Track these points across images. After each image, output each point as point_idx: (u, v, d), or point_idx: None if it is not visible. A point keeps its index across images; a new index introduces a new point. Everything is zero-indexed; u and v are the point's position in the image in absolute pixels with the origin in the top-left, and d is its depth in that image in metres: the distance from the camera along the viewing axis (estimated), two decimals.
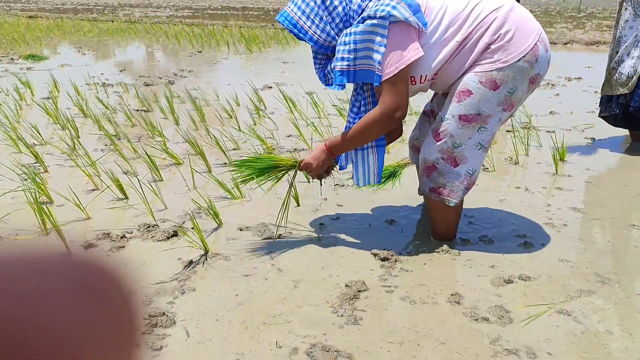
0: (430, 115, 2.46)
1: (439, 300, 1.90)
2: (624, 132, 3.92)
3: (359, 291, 1.94)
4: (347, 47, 1.99)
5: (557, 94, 5.29)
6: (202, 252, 2.21)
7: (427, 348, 1.65)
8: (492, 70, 1.98)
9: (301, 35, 2.07)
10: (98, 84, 5.76)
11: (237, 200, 2.74)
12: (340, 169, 2.39)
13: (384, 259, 2.16)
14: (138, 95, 4.98)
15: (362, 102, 2.17)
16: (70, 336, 0.22)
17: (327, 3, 2.03)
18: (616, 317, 1.80)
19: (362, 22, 1.98)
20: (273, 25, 12.33)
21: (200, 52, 8.55)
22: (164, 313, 1.80)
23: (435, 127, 2.12)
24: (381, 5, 1.94)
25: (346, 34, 2.00)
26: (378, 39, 1.94)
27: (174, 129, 4.05)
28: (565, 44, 9.06)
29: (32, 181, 2.73)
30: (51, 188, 2.79)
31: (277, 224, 2.42)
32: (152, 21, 13.48)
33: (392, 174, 2.74)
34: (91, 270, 0.25)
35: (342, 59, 2.00)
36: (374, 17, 1.94)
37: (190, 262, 2.14)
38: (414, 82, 2.08)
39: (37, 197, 2.52)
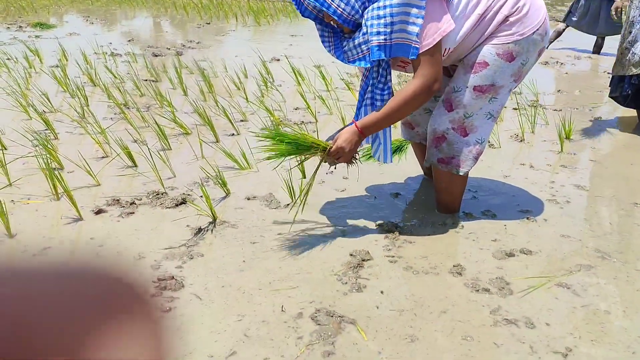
0: None
1: (441, 271, 1.94)
2: (631, 112, 3.92)
3: (363, 260, 1.99)
4: (382, 21, 1.92)
5: (566, 73, 5.27)
6: (210, 220, 2.25)
7: (428, 316, 1.69)
8: (509, 43, 2.02)
9: (324, 8, 1.98)
10: (106, 53, 5.77)
11: (244, 171, 2.78)
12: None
13: (388, 230, 2.20)
14: (146, 66, 4.99)
15: (382, 80, 2.09)
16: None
17: None
18: (614, 292, 1.84)
19: None
20: None
21: (209, 23, 8.51)
22: (173, 277, 1.85)
23: (447, 97, 2.15)
24: None
25: (379, 7, 1.92)
26: (414, 10, 1.89)
27: (183, 99, 4.07)
28: None
29: (43, 147, 2.76)
30: (61, 154, 2.83)
31: (295, 205, 2.34)
32: None
33: (398, 148, 2.76)
34: (113, 285, 0.24)
35: (379, 33, 1.93)
36: None
37: (199, 229, 2.19)
38: None
39: (49, 162, 2.56)
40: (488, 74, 2.06)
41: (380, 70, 2.08)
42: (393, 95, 2.08)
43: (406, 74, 2.29)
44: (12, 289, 0.22)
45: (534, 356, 1.53)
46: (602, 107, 4.06)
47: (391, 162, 2.27)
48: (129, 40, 6.76)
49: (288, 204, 2.40)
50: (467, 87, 2.09)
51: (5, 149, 2.97)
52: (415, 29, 1.91)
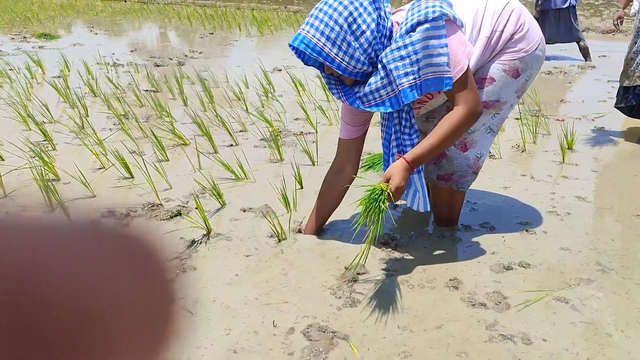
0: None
1: (437, 285, 1.91)
2: (635, 122, 3.87)
3: (358, 274, 1.95)
4: (407, 61, 1.84)
5: (569, 83, 5.24)
6: (205, 232, 2.23)
7: (422, 331, 1.66)
8: (515, 60, 2.02)
9: (327, 62, 1.86)
10: (109, 63, 5.78)
11: (241, 182, 2.76)
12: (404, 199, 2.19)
13: (384, 243, 2.16)
14: (148, 76, 4.99)
15: (411, 122, 2.00)
16: (99, 300, 0.21)
17: (354, 28, 1.84)
18: (614, 307, 1.80)
19: (412, 31, 1.83)
20: (285, 7, 12.27)
21: (212, 33, 8.54)
22: None
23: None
24: (429, 7, 1.84)
25: (399, 47, 1.84)
26: (436, 42, 1.82)
27: (183, 110, 4.06)
28: (582, 31, 8.92)
29: (39, 158, 2.75)
30: (58, 166, 2.81)
31: (358, 261, 1.97)
32: (165, 2, 13.45)
33: None
34: (123, 237, 0.24)
35: (407, 74, 1.85)
36: (426, 21, 1.81)
37: (193, 242, 2.16)
38: None
39: (44, 174, 2.54)
40: (494, 90, 2.04)
41: (403, 114, 1.99)
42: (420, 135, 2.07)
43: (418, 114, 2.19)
44: (22, 240, 0.21)
45: None
46: (605, 117, 4.01)
47: (429, 210, 2.13)
48: (132, 51, 6.78)
49: (284, 215, 2.37)
50: None
51: (2, 160, 2.96)
52: (444, 59, 1.82)
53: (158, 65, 5.83)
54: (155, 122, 3.66)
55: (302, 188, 2.69)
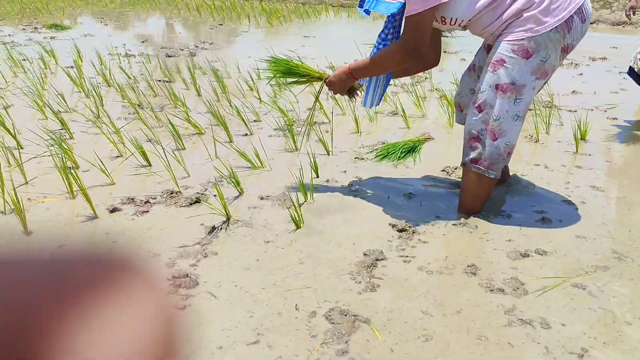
0: (473, 69, 2.49)
1: (454, 271, 1.94)
2: None
3: (377, 260, 1.98)
4: None
5: (581, 74, 5.23)
6: (224, 219, 2.26)
7: (441, 316, 1.69)
8: (523, 39, 2.01)
9: None
10: (120, 54, 5.81)
11: (257, 170, 2.79)
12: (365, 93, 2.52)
13: (401, 230, 2.19)
14: (160, 66, 5.02)
15: (391, 31, 2.27)
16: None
17: None
18: (630, 293, 1.82)
19: None
20: None
21: (221, 24, 8.55)
22: (187, 275, 1.86)
23: (475, 100, 2.17)
24: None
25: None
26: None
27: (196, 100, 4.09)
28: (590, 23, 8.89)
29: (58, 146, 2.79)
30: (77, 154, 2.85)
31: (301, 137, 2.85)
32: None
33: (412, 149, 2.76)
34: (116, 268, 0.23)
35: None
36: None
37: (213, 228, 2.19)
38: (444, 22, 2.14)
39: (64, 161, 2.58)
40: (506, 72, 2.05)
41: (387, 23, 2.27)
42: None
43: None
44: (11, 274, 0.20)
45: (548, 356, 1.52)
46: (617, 108, 4.02)
47: (368, 107, 2.51)
48: (143, 42, 6.81)
49: (301, 204, 2.40)
50: (489, 86, 2.10)
51: (22, 148, 3.00)
52: None
53: (170, 56, 5.85)
54: (170, 112, 3.69)
55: (317, 177, 2.71)
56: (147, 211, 2.34)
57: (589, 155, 3.10)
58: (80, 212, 2.32)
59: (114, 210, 2.33)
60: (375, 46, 2.33)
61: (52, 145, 2.95)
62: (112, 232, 2.19)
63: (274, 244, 2.10)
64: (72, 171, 2.49)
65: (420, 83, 4.59)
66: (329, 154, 3.02)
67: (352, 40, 6.25)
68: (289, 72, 2.51)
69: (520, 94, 2.08)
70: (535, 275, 1.91)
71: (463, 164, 2.27)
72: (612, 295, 1.81)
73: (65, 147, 2.82)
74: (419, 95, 4.00)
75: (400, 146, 2.79)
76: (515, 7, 2.01)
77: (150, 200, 2.43)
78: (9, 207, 2.31)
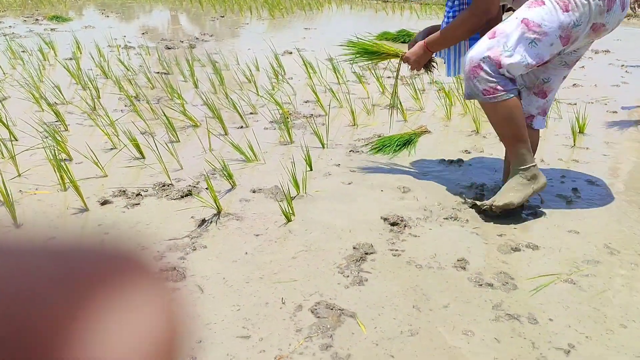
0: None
1: (444, 265, 1.92)
2: None
3: (366, 253, 1.97)
4: None
5: (583, 67, 5.18)
6: (215, 212, 2.25)
7: (429, 310, 1.68)
8: None
9: None
10: (120, 46, 5.80)
11: (251, 163, 2.77)
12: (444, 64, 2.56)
13: (393, 224, 2.18)
14: (159, 58, 5.01)
15: (453, 2, 2.37)
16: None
17: None
18: (621, 289, 1.81)
19: None
20: None
21: (223, 16, 8.52)
22: (175, 268, 1.85)
23: (494, 28, 2.15)
24: None
25: None
26: None
27: (194, 92, 4.08)
28: None
29: (52, 139, 2.78)
30: (70, 146, 2.84)
31: (390, 110, 3.00)
32: None
33: (408, 142, 2.74)
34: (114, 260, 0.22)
35: None
36: None
37: (203, 221, 2.19)
38: None
39: (57, 154, 2.57)
40: (540, 12, 2.04)
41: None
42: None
43: None
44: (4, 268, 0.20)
45: (535, 352, 1.51)
46: (617, 102, 3.98)
47: (452, 75, 2.54)
48: (143, 34, 6.79)
49: (293, 197, 2.38)
50: (516, 17, 2.09)
51: (16, 140, 2.99)
52: None
53: (169, 48, 5.84)
54: (166, 104, 3.68)
55: (311, 170, 2.70)
56: (138, 204, 2.33)
57: (587, 148, 3.07)
58: (72, 204, 2.32)
59: (105, 202, 2.33)
60: (445, 16, 2.39)
61: (46, 137, 2.95)
62: (103, 224, 2.18)
63: (263, 237, 2.09)
64: (65, 163, 2.49)
65: (420, 76, 4.56)
66: (323, 147, 3.00)
67: (354, 32, 6.21)
68: (366, 52, 2.61)
69: (539, 39, 2.05)
70: (525, 270, 1.89)
71: (472, 99, 2.23)
72: (602, 290, 1.79)
73: (59, 139, 2.81)
74: (417, 89, 3.97)
75: (396, 139, 2.77)
76: None
77: (142, 193, 2.42)
78: None
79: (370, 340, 1.54)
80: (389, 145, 2.76)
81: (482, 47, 2.11)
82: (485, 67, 2.09)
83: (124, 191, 2.42)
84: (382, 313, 1.66)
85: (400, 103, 3.63)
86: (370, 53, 2.60)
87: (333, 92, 3.89)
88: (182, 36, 6.74)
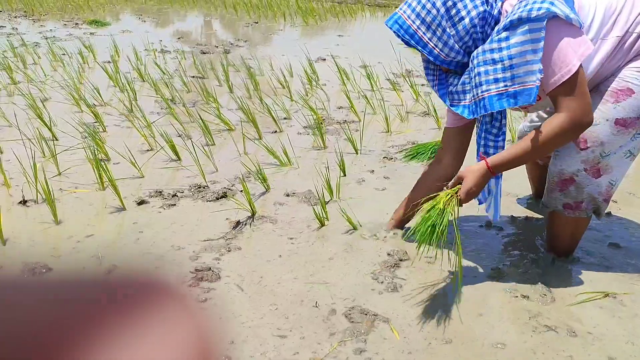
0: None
1: (479, 274, 1.90)
2: None
3: (401, 260, 1.96)
4: (499, 66, 1.65)
5: None
6: (250, 214, 2.27)
7: (464, 318, 1.66)
8: None
9: (419, 47, 1.76)
10: (157, 50, 5.89)
11: (285, 167, 2.79)
12: (479, 204, 2.01)
13: None
14: (195, 63, 5.08)
15: (500, 123, 1.83)
16: None
17: (453, 12, 1.70)
18: None
19: (512, 28, 1.62)
20: None
21: (257, 22, 8.60)
22: (210, 268, 1.87)
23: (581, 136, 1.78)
24: (535, 3, 1.60)
25: (492, 49, 1.66)
26: (536, 45, 1.60)
27: (228, 97, 4.12)
28: None
29: (91, 139, 2.84)
30: (109, 146, 2.90)
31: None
32: None
33: (418, 154, 2.70)
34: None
35: (496, 80, 1.67)
36: (529, 20, 1.59)
37: (238, 223, 2.21)
38: None
39: (96, 154, 2.63)
40: (634, 103, 1.71)
41: (495, 114, 1.82)
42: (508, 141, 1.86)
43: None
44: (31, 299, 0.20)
45: None
46: None
47: (497, 220, 1.99)
48: (179, 38, 6.90)
49: (328, 201, 2.39)
50: (606, 120, 1.74)
51: (57, 139, 3.07)
52: (537, 67, 1.61)
53: (204, 53, 5.91)
54: (202, 107, 3.73)
55: (345, 175, 2.70)
56: (174, 204, 2.37)
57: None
58: (109, 203, 2.36)
59: (141, 202, 2.37)
60: (484, 147, 1.87)
61: (85, 138, 3.01)
62: (139, 223, 2.22)
63: (297, 240, 2.09)
64: (103, 163, 2.54)
65: None
66: (357, 153, 3.00)
67: (387, 40, 6.21)
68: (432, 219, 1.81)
69: None
70: (563, 284, 1.86)
71: (549, 209, 1.96)
72: None
73: (98, 139, 2.87)
74: None
75: (430, 146, 2.75)
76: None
77: (178, 194, 2.45)
78: (41, 197, 2.36)
79: (403, 346, 1.53)
80: (424, 153, 2.74)
81: (575, 159, 1.81)
82: (579, 180, 1.83)
83: (161, 192, 2.46)
84: (416, 319, 1.65)
85: (435, 110, 3.61)
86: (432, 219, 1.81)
87: (367, 98, 3.89)
88: (216, 41, 6.83)
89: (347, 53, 5.93)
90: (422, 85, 4.56)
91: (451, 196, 1.78)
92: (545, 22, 1.57)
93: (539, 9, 1.57)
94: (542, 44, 1.58)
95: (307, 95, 4.17)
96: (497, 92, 1.68)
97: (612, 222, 2.30)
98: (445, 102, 1.90)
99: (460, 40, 1.74)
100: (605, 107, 1.75)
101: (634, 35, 1.70)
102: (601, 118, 1.75)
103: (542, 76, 1.61)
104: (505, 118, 1.83)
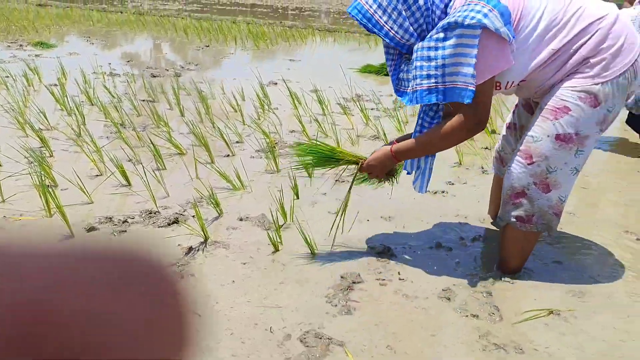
0: (514, 128, 2.34)
1: (430, 295, 1.94)
2: (625, 133, 3.95)
3: (354, 283, 1.99)
4: (433, 63, 1.80)
5: None
6: (202, 240, 2.25)
7: (416, 339, 1.69)
8: (591, 85, 1.82)
9: (375, 30, 1.88)
10: (105, 73, 5.81)
11: (238, 191, 2.79)
12: (407, 174, 2.23)
13: (379, 253, 2.20)
14: (145, 86, 5.03)
15: (437, 107, 1.98)
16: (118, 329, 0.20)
17: None
18: (608, 319, 1.84)
19: (448, 30, 1.77)
20: (281, 22, 12.38)
21: (208, 46, 8.60)
22: None
23: (526, 148, 1.92)
24: (471, 11, 1.75)
25: (429, 47, 1.81)
26: (469, 50, 1.75)
27: (179, 120, 4.10)
28: None
29: (37, 164, 2.77)
30: (56, 172, 2.83)
31: (334, 231, 2.31)
32: (161, 14, 13.53)
33: (391, 172, 2.77)
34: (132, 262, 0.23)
35: (429, 76, 1.82)
36: (462, 26, 1.74)
37: (190, 249, 2.19)
38: (498, 87, 1.94)
39: (42, 180, 2.56)
40: (570, 120, 1.83)
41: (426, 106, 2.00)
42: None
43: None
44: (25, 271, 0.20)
45: None
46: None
47: (423, 192, 2.19)
48: (128, 61, 6.82)
49: (282, 225, 2.40)
50: (547, 136, 1.87)
51: (1, 165, 2.97)
52: (469, 70, 1.76)
53: (154, 76, 5.87)
54: (152, 131, 3.69)
55: (298, 199, 2.72)
56: (125, 231, 2.33)
57: None
58: (57, 230, 2.30)
59: (91, 229, 2.32)
60: (421, 126, 2.04)
61: (31, 163, 2.93)
62: None
63: (251, 265, 2.09)
64: (51, 189, 2.48)
65: (403, 108, 4.65)
66: (310, 176, 3.03)
67: (337, 64, 6.32)
68: (320, 156, 2.21)
69: (583, 145, 1.87)
70: (511, 302, 1.92)
71: (503, 222, 2.06)
72: (587, 321, 1.82)
73: (45, 165, 2.80)
74: (400, 120, 4.04)
75: None
76: (580, 55, 1.82)
77: (129, 220, 2.41)
78: None
79: None
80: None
81: (523, 173, 1.93)
82: (530, 194, 1.94)
83: (111, 218, 2.42)
84: (370, 342, 1.67)
85: (385, 134, 3.69)
86: (325, 158, 2.21)
87: (318, 122, 3.94)
88: (167, 64, 6.79)
89: (298, 77, 5.99)
90: (372, 109, 4.65)
91: (360, 163, 2.17)
92: (479, 30, 1.73)
93: (472, 17, 1.73)
94: (475, 50, 1.75)
95: (260, 119, 4.19)
96: (428, 87, 1.84)
97: (555, 240, 2.40)
98: (394, 87, 2.05)
99: (416, 22, 1.88)
100: (546, 124, 1.88)
101: (569, 52, 1.84)
102: (543, 134, 1.89)
103: (475, 80, 1.77)
104: (444, 105, 1.97)
